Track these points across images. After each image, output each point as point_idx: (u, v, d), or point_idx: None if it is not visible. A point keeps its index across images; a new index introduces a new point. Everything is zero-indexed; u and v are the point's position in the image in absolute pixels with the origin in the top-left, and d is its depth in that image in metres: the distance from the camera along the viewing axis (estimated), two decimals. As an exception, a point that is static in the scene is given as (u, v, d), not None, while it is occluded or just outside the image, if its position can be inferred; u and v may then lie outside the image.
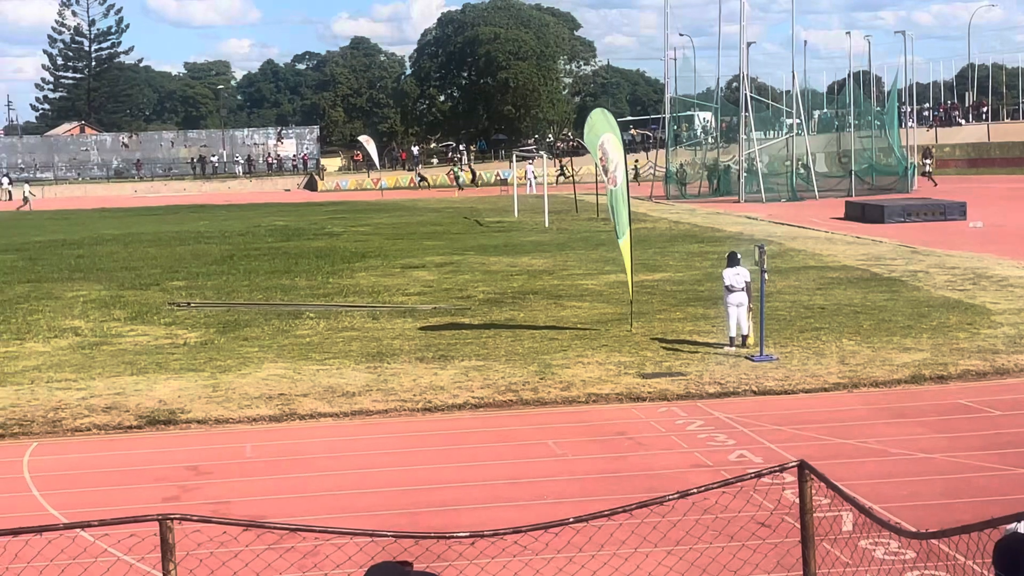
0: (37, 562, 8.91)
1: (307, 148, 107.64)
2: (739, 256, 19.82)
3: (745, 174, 61.38)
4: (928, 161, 69.58)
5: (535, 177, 71.92)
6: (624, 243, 21.29)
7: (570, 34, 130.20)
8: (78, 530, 9.66)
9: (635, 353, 19.20)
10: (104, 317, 25.35)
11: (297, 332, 22.47)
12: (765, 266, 18.87)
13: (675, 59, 72.20)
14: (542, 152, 76.31)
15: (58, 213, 70.03)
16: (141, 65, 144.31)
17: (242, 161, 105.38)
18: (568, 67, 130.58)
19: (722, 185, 65.69)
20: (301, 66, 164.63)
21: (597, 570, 9.30)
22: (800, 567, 7.82)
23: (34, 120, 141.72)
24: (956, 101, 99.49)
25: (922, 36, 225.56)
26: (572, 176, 67.48)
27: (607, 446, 14.10)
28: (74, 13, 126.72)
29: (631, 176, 47.00)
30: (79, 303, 27.66)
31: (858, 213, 45.55)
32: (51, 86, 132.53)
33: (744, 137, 61.92)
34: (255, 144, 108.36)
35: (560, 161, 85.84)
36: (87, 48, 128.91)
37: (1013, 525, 5.51)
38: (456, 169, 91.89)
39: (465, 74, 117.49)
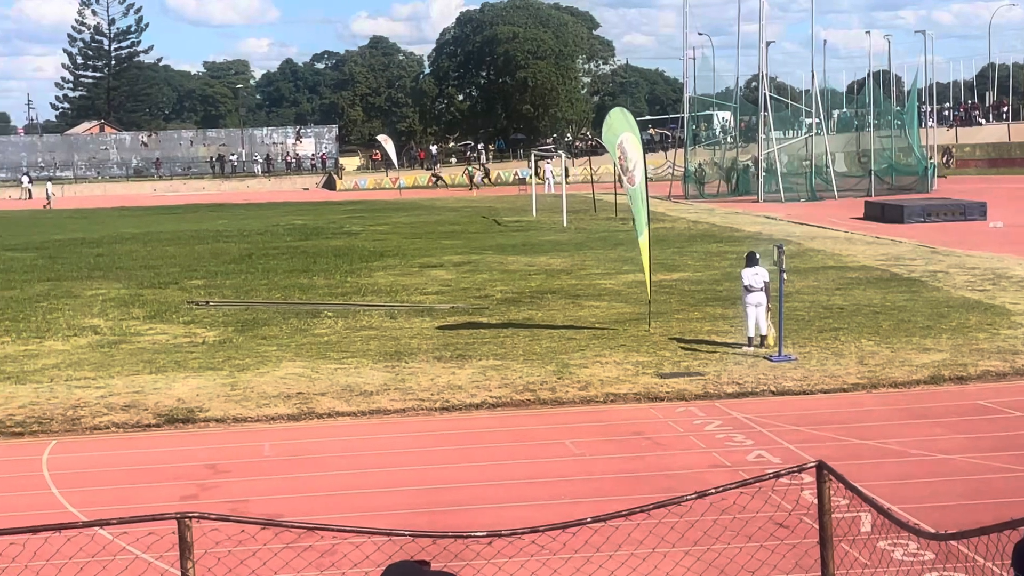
0: (56, 560, 8.93)
1: (326, 147, 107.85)
2: (758, 256, 19.77)
3: (764, 174, 61.19)
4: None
5: (553, 176, 71.84)
6: (642, 241, 21.28)
7: (589, 33, 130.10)
8: (97, 528, 9.69)
9: (653, 353, 19.17)
10: (123, 316, 25.43)
11: (315, 331, 22.51)
12: (784, 266, 18.82)
13: (694, 58, 72.10)
14: (560, 151, 76.19)
15: (77, 212, 70.28)
16: (160, 64, 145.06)
17: (261, 160, 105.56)
18: (587, 66, 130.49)
19: (741, 185, 65.49)
20: (320, 65, 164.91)
21: (615, 570, 9.29)
22: (818, 568, 7.79)
23: (54, 119, 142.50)
24: (976, 101, 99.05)
25: (942, 35, 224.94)
26: (593, 175, 67.35)
27: (625, 446, 14.08)
28: (94, 12, 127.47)
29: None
30: (98, 302, 27.75)
31: (877, 213, 45.40)
32: (71, 85, 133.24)
33: (763, 137, 61.79)
34: (274, 143, 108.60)
35: (574, 161, 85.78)
36: (107, 47, 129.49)
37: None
38: (471, 168, 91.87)
39: (484, 73, 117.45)
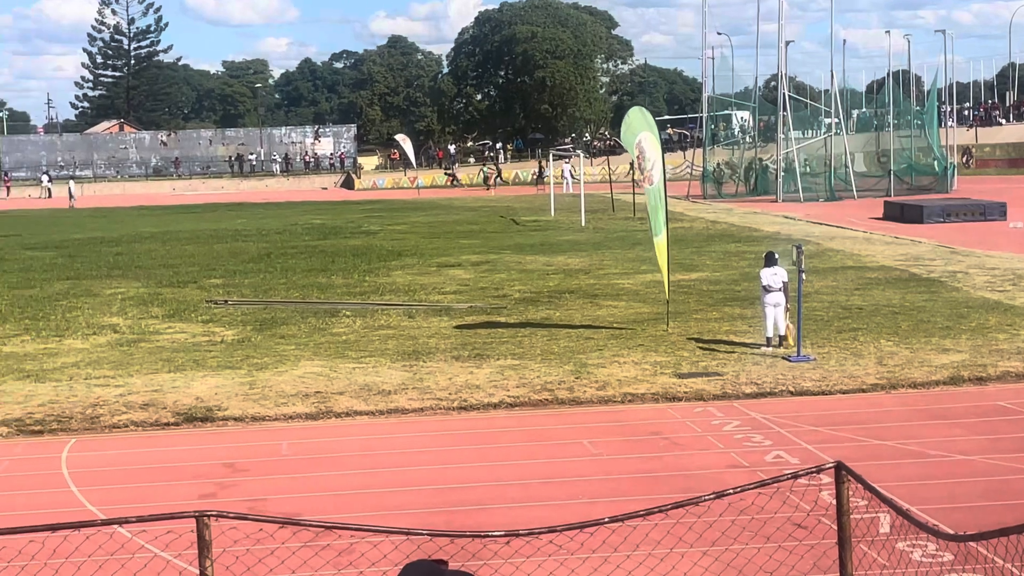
0: (75, 558, 8.96)
1: (344, 147, 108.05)
2: (776, 256, 19.73)
3: (783, 174, 61.08)
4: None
5: (572, 176, 71.83)
6: (660, 241, 21.25)
7: (607, 33, 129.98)
8: (116, 526, 9.72)
9: (671, 353, 19.15)
10: (142, 314, 25.52)
11: (333, 330, 22.54)
12: (803, 266, 18.77)
13: (713, 58, 71.90)
14: (579, 151, 76.10)
15: (97, 211, 70.55)
16: (179, 64, 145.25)
17: (279, 159, 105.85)
18: (605, 66, 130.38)
19: (759, 185, 65.32)
20: (339, 65, 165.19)
21: (632, 570, 9.28)
22: (836, 569, 7.77)
23: (73, 118, 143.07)
24: (996, 101, 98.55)
25: (962, 35, 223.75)
26: (611, 175, 67.27)
27: (642, 446, 14.07)
28: (114, 12, 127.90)
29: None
30: (117, 300, 27.85)
31: (897, 213, 45.25)
32: (90, 84, 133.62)
33: (782, 136, 61.62)
34: (292, 142, 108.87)
35: (593, 161, 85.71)
36: (126, 47, 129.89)
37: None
38: (485, 169, 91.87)
39: (502, 73, 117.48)
